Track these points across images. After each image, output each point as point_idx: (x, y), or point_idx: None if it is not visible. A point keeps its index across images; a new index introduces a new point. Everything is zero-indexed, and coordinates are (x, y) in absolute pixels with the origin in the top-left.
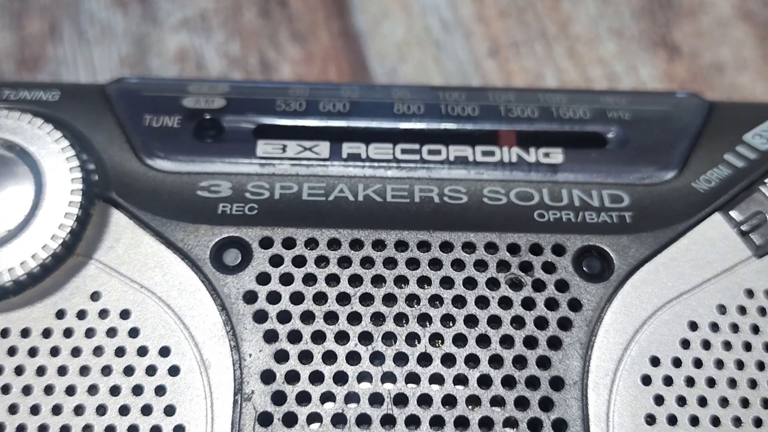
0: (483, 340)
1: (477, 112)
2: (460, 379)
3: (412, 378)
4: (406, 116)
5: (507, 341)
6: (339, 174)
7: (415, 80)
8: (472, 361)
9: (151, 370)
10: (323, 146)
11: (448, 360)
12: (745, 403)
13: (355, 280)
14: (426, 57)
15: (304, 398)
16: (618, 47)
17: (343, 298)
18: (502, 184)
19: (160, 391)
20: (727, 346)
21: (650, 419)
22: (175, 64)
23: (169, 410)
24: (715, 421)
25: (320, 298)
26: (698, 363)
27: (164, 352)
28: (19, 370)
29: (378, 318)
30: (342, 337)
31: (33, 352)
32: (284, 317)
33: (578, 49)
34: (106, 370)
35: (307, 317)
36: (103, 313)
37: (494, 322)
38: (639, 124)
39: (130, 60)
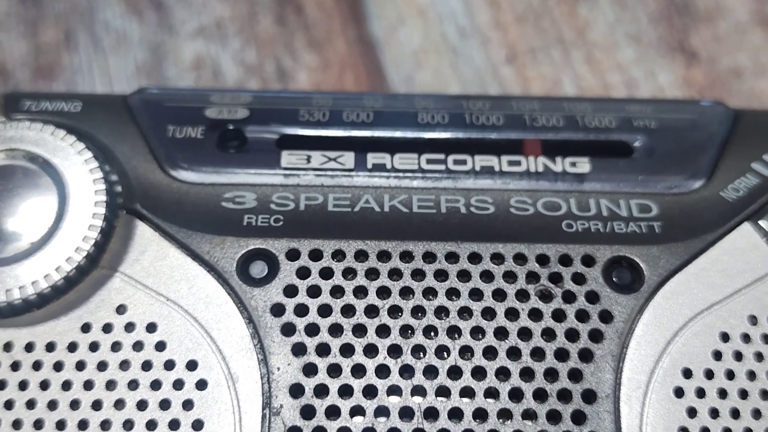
0: (513, 353)
1: (502, 121)
2: (492, 393)
3: (443, 391)
4: (430, 126)
5: (538, 354)
6: (364, 185)
7: (432, 87)
8: (502, 373)
9: (178, 384)
10: (348, 156)
11: (479, 373)
12: None
13: (384, 292)
14: (443, 64)
15: (333, 412)
16: (636, 53)
17: (372, 311)
18: (528, 194)
19: (187, 405)
20: (759, 357)
21: None
22: (191, 72)
23: (197, 425)
24: None
25: (348, 310)
26: (731, 375)
27: (191, 365)
28: (44, 385)
29: (407, 330)
30: (371, 350)
31: (58, 367)
32: (312, 330)
33: (596, 55)
34: (133, 384)
35: (336, 330)
36: (130, 327)
37: (525, 334)
38: (665, 132)
39: (146, 68)
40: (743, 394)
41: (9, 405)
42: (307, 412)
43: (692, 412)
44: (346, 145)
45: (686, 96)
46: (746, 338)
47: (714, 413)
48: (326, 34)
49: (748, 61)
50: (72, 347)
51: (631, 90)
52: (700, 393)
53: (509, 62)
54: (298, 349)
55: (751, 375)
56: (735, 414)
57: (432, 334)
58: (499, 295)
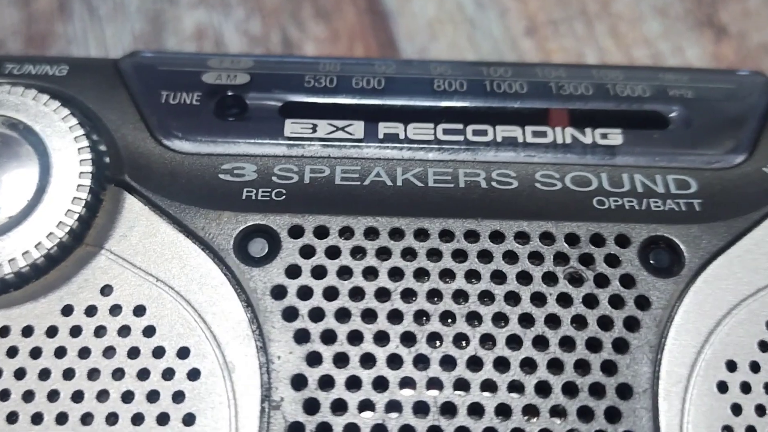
0: (540, 342)
1: (525, 89)
2: (516, 386)
3: (461, 384)
4: (447, 93)
5: (567, 343)
6: (375, 156)
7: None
8: (528, 365)
9: (168, 374)
10: (357, 126)
11: (502, 364)
12: None
13: (396, 274)
14: (459, 35)
15: (339, 406)
16: (662, 26)
17: (383, 294)
18: (555, 167)
19: (178, 397)
20: None
21: (727, 431)
22: (192, 43)
23: (189, 419)
24: None
25: (357, 293)
26: None
27: (183, 353)
28: (19, 374)
29: (422, 316)
30: (382, 338)
31: (36, 353)
32: (317, 315)
33: (620, 28)
34: (118, 374)
35: (343, 315)
36: (115, 310)
37: (552, 321)
38: (702, 103)
39: (145, 38)
40: None
41: None
42: (311, 406)
43: (737, 409)
44: (356, 113)
45: None
46: None
47: (761, 410)
48: (335, 4)
49: None
50: (51, 332)
51: (659, 65)
52: (746, 388)
53: (529, 34)
54: (301, 336)
55: None
56: None
57: (449, 320)
58: (524, 278)
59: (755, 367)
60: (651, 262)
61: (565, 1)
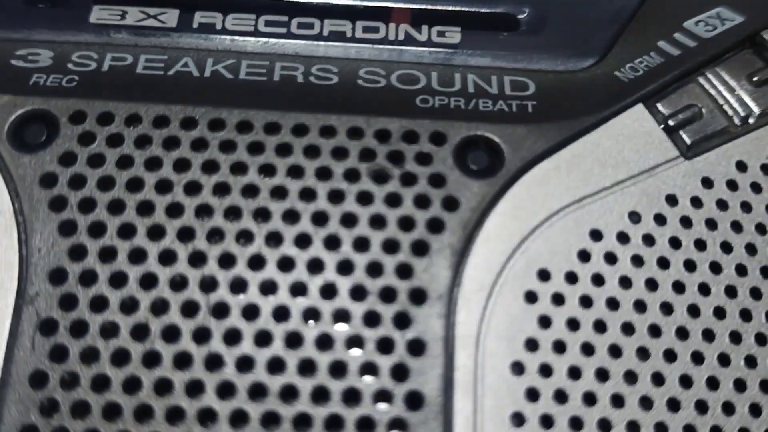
0: (332, 242)
1: None
2: (298, 289)
3: (238, 286)
4: None
5: (361, 244)
6: (187, 46)
7: None
8: (316, 266)
9: None
10: (171, 14)
11: (286, 265)
12: (654, 331)
13: (182, 165)
14: None
15: (100, 304)
16: None
17: (164, 187)
18: (383, 65)
19: None
20: (638, 261)
21: (531, 344)
22: None
23: None
24: (615, 351)
25: (135, 185)
26: (598, 279)
27: None
28: None
29: (204, 211)
30: (156, 233)
31: None
32: (87, 205)
33: None
34: None
35: (116, 207)
36: None
37: (348, 221)
38: (558, 3)
39: None
40: (612, 304)
41: None
42: (67, 302)
43: (545, 322)
44: (171, 1)
45: None
46: (623, 238)
47: (573, 325)
48: None
49: None
50: None
51: None
52: (558, 299)
53: None
54: (67, 228)
55: (625, 282)
56: (600, 327)
57: (232, 217)
58: (324, 174)
59: (572, 277)
60: (468, 163)
61: None
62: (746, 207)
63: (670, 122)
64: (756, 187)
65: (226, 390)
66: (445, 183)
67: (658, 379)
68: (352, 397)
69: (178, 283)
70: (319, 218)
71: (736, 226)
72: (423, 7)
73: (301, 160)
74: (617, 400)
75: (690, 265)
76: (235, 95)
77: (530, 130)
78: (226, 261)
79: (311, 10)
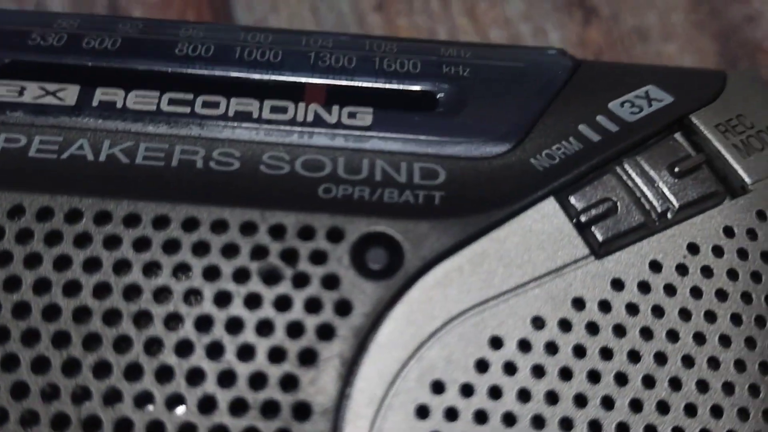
0: (214, 350)
1: (279, 58)
2: (173, 402)
3: (112, 397)
4: (189, 59)
5: (245, 353)
6: (84, 126)
7: None
8: (195, 376)
9: None
10: (71, 91)
11: (164, 375)
12: None
13: (62, 264)
14: (302, 7)
15: None
16: (526, 5)
17: (42, 287)
18: (289, 149)
19: None
20: (538, 372)
21: None
22: (10, 2)
23: None
24: None
25: (11, 285)
26: (495, 392)
27: None
28: None
29: (82, 316)
30: (30, 338)
31: None
32: None
33: (480, 5)
34: None
35: None
36: None
37: (234, 326)
38: (480, 83)
39: None
40: (508, 420)
41: None
42: None
43: None
44: (73, 76)
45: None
46: (525, 346)
47: None
48: None
49: (656, 21)
50: None
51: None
52: (451, 414)
53: (379, 9)
54: None
55: (524, 395)
56: None
57: (114, 321)
58: (212, 273)
59: (467, 390)
60: (366, 261)
61: None
62: (658, 311)
63: (582, 218)
64: (670, 289)
65: None
66: (339, 284)
67: None
68: None
69: (49, 395)
70: (203, 323)
71: (646, 333)
72: (337, 83)
73: (189, 258)
74: None
75: (594, 377)
76: (128, 183)
77: (433, 226)
78: (101, 370)
79: (219, 87)
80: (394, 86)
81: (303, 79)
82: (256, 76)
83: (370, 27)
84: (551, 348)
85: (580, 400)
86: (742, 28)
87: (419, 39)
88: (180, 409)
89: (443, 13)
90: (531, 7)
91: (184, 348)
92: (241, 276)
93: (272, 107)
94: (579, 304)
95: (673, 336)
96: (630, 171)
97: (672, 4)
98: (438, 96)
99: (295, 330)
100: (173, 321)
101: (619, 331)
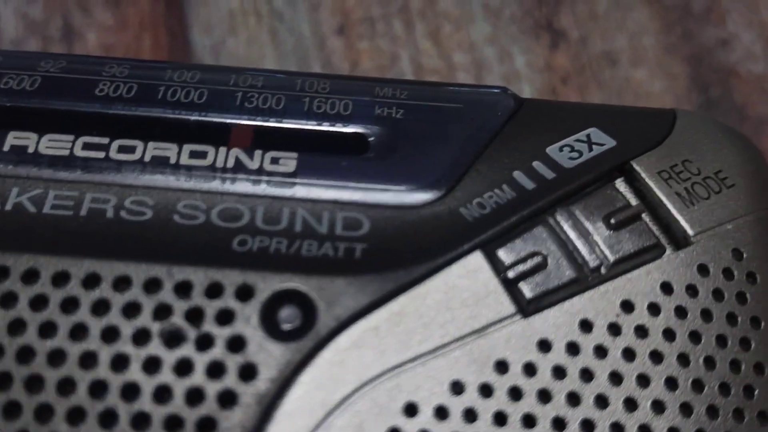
0: (107, 418)
1: (205, 98)
2: None
3: None
4: (109, 100)
5: (141, 422)
6: None
7: (244, 57)
8: None
9: None
10: None
11: None
12: None
13: None
14: (261, 30)
15: None
16: (492, 28)
17: None
18: (206, 197)
19: None
20: None
21: None
22: None
23: None
24: None
25: None
26: None
27: None
28: None
29: None
30: None
31: None
32: None
33: (445, 28)
34: None
35: None
36: None
37: (130, 392)
38: (414, 125)
39: None
40: None
41: None
42: None
43: None
44: None
45: (546, 84)
46: (441, 413)
47: None
48: None
49: (626, 45)
50: None
51: (481, 73)
52: None
53: (340, 32)
54: None
55: None
56: None
57: (3, 386)
58: (109, 335)
59: None
60: (278, 321)
61: None
62: (586, 375)
63: (510, 273)
64: (600, 351)
65: None
66: (245, 347)
67: None
68: None
69: None
70: (97, 388)
71: (573, 398)
72: (264, 124)
73: (87, 318)
74: None
75: None
76: (33, 235)
77: (350, 283)
78: None
79: (139, 130)
80: (324, 128)
81: (229, 120)
82: (180, 118)
83: (331, 51)
84: (469, 415)
85: None
86: (716, 52)
87: (355, 77)
88: None
89: (406, 37)
90: (497, 30)
91: (75, 416)
92: (141, 338)
93: (191, 152)
94: (502, 366)
95: (602, 402)
96: (563, 222)
97: (643, 26)
98: (369, 139)
99: (194, 397)
100: (68, 385)
101: (544, 396)
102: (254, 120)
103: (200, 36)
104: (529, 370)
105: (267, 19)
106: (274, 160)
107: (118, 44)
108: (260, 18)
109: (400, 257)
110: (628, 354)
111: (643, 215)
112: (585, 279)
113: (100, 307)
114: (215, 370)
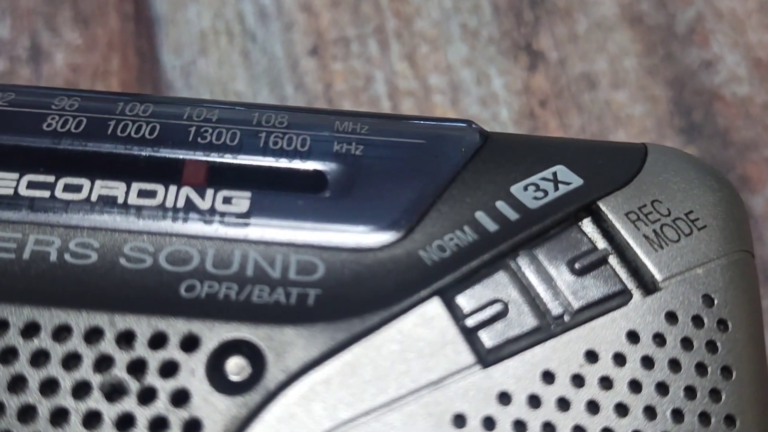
0: None
1: (157, 133)
2: None
3: None
4: (57, 135)
5: None
6: None
7: (214, 78)
8: None
9: None
10: None
11: None
12: None
13: None
14: (233, 50)
15: None
16: (469, 49)
17: None
18: (154, 239)
19: None
20: None
21: None
22: None
23: None
24: None
25: None
26: None
27: None
28: None
29: None
30: None
31: None
32: None
33: (421, 49)
34: None
35: None
36: None
37: None
38: (374, 162)
39: None
40: None
41: None
42: None
43: None
44: None
45: (524, 106)
46: None
47: None
48: (98, 7)
49: (607, 67)
50: None
51: (458, 95)
52: None
53: (313, 53)
54: None
55: None
56: None
57: None
58: (48, 388)
59: None
60: (225, 373)
61: (364, 15)
62: (548, 428)
63: (469, 321)
64: (563, 403)
65: None
66: (189, 400)
67: None
68: None
69: None
70: None
71: None
72: (218, 160)
73: (26, 369)
74: None
75: None
76: None
77: (301, 333)
78: None
79: (87, 167)
80: (281, 165)
81: (181, 156)
82: (130, 154)
83: (304, 72)
84: None
85: None
86: (699, 74)
87: (316, 109)
88: None
89: (381, 58)
90: (474, 52)
91: None
92: (80, 390)
93: (140, 191)
94: (460, 420)
95: None
96: (525, 267)
97: (624, 48)
98: (327, 177)
99: None
100: None
101: None
102: (208, 156)
103: (170, 56)
104: (489, 424)
105: (239, 39)
106: (227, 200)
107: (86, 65)
108: (232, 38)
109: (354, 304)
110: (592, 406)
111: (610, 259)
112: (547, 327)
113: (39, 358)
114: (158, 425)
